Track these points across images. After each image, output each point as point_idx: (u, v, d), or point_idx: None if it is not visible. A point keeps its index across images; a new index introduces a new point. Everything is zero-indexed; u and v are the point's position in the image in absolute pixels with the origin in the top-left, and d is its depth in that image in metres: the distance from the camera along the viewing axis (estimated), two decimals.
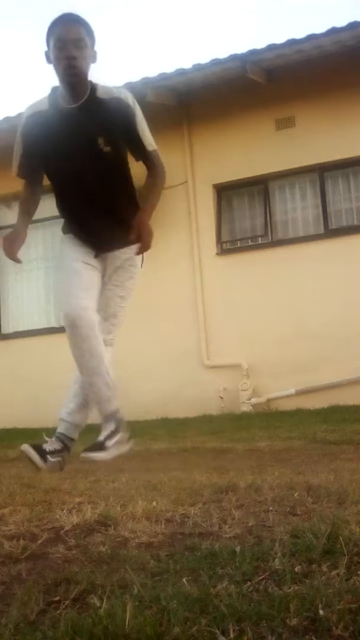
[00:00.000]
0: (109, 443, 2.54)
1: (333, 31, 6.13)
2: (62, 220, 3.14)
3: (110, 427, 2.61)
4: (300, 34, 6.32)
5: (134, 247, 2.85)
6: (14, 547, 1.38)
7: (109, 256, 2.87)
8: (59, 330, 8.67)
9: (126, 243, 2.83)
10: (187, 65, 6.72)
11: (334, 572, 1.09)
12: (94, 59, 2.74)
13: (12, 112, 8.19)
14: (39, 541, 1.44)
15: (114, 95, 2.76)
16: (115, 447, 2.53)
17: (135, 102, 2.76)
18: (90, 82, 2.76)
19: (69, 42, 2.64)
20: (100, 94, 2.76)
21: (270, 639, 0.88)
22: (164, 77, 6.73)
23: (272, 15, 21.97)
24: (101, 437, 2.58)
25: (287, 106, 6.90)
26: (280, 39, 8.01)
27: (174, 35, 23.88)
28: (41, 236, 7.92)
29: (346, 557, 1.15)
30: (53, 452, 2.58)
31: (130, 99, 2.76)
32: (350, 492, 1.73)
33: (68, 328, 2.71)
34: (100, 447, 2.51)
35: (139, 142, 2.78)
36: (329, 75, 6.59)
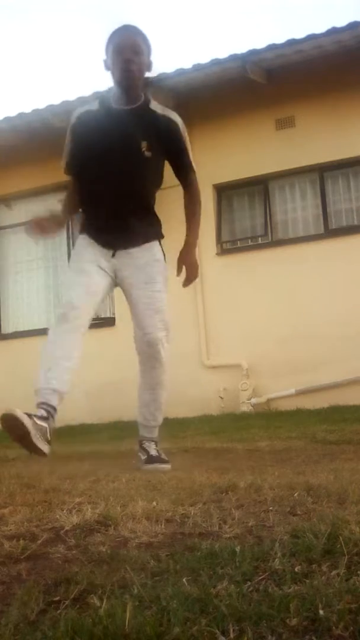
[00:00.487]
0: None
1: (333, 31, 6.13)
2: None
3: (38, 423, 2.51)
4: (300, 34, 6.32)
5: (152, 246, 2.93)
6: (14, 547, 1.38)
7: (126, 256, 2.90)
8: None
9: (142, 242, 2.93)
10: (187, 65, 6.72)
11: (334, 572, 1.09)
12: (149, 67, 2.94)
13: (12, 112, 8.18)
14: (39, 541, 1.44)
15: (166, 114, 2.94)
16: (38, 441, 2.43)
17: (185, 128, 2.95)
18: (146, 94, 2.96)
19: (126, 47, 2.81)
20: (153, 106, 2.94)
21: (270, 639, 0.88)
22: (164, 77, 6.73)
23: (272, 15, 21.97)
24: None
25: (287, 106, 6.90)
26: (280, 39, 8.01)
27: (174, 35, 23.88)
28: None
29: (346, 557, 1.15)
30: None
31: (180, 122, 2.95)
32: (350, 492, 1.73)
33: (57, 320, 2.79)
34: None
35: (184, 160, 2.95)
36: (329, 75, 6.60)
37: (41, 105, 7.15)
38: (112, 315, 7.39)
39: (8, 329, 8.30)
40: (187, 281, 3.03)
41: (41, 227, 2.91)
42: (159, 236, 3.03)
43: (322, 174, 6.98)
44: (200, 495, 1.82)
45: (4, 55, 25.61)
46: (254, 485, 1.93)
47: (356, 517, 1.41)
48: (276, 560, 1.16)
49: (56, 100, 7.17)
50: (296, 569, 1.12)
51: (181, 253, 3.00)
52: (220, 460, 3.13)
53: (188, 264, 2.99)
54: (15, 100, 24.63)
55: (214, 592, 1.02)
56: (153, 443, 3.00)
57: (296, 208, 7.18)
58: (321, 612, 0.92)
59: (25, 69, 27.02)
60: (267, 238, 7.18)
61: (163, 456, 2.93)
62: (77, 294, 2.81)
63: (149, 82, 3.04)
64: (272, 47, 6.37)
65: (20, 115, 7.17)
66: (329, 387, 6.42)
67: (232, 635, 0.88)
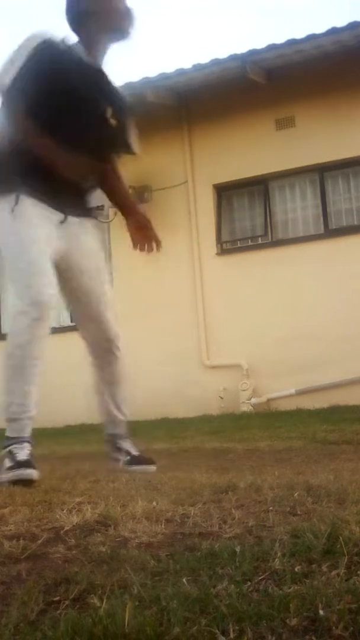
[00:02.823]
0: None
1: (333, 31, 6.13)
2: None
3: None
4: (300, 34, 6.33)
5: (95, 227, 2.66)
6: (14, 547, 1.38)
7: (75, 234, 2.53)
8: (59, 330, 8.70)
9: (91, 215, 2.67)
10: (187, 65, 6.74)
11: (334, 572, 1.09)
12: None
13: None
14: (39, 541, 1.43)
15: (116, 85, 2.68)
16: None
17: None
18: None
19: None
20: (106, 71, 2.62)
21: (270, 639, 0.88)
22: (164, 77, 6.74)
23: (272, 15, 21.98)
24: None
25: (287, 106, 6.90)
26: (280, 39, 8.02)
27: (174, 35, 23.89)
28: None
29: (346, 557, 1.15)
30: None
31: (127, 96, 2.72)
32: (350, 492, 1.73)
33: (33, 320, 2.30)
34: None
35: (128, 140, 2.63)
36: (329, 75, 6.60)
37: None
38: None
39: (8, 329, 8.30)
40: (155, 248, 2.69)
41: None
42: (96, 215, 2.79)
43: (322, 174, 6.99)
44: (200, 495, 1.82)
45: (4, 56, 25.58)
46: (254, 485, 1.93)
47: (356, 517, 1.41)
48: (276, 560, 1.16)
49: None
50: (296, 569, 1.12)
51: (133, 221, 2.66)
52: (220, 460, 3.13)
53: (147, 229, 2.67)
54: None
55: (214, 592, 1.02)
56: (129, 441, 2.75)
57: (296, 208, 7.19)
58: (321, 612, 0.92)
59: None
60: (267, 238, 7.18)
61: (147, 455, 2.72)
62: (48, 285, 2.34)
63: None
64: (272, 47, 6.37)
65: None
66: (329, 387, 6.42)
67: (232, 635, 0.88)
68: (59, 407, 7.09)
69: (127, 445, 2.73)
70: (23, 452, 2.29)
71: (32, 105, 2.37)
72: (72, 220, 2.52)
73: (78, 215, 2.55)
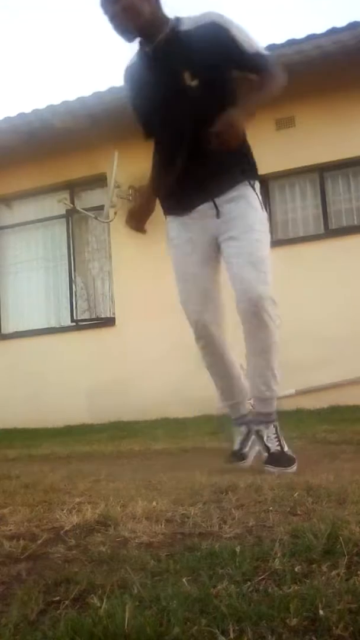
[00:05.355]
0: (246, 450, 2.82)
1: (333, 31, 6.13)
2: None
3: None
4: (300, 34, 6.32)
5: (243, 190, 2.56)
6: (14, 547, 1.38)
7: (213, 213, 2.58)
8: (59, 330, 8.65)
9: (228, 187, 2.55)
10: None
11: (334, 572, 1.09)
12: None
13: (12, 112, 8.18)
14: (39, 541, 1.44)
15: (200, 22, 2.49)
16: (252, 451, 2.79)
17: (224, 16, 2.46)
18: (170, 19, 2.53)
19: (106, 3, 2.45)
20: (185, 26, 2.51)
21: (270, 639, 0.88)
22: None
23: (272, 15, 21.98)
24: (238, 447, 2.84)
25: (287, 106, 6.89)
26: (280, 39, 8.02)
27: None
28: (41, 236, 7.92)
29: (346, 557, 1.15)
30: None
31: (216, 16, 2.46)
32: (350, 492, 1.73)
33: (196, 342, 2.90)
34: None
35: (237, 50, 2.44)
36: (329, 75, 6.59)
37: (41, 105, 7.17)
38: (112, 316, 7.39)
39: (8, 329, 8.30)
40: (215, 136, 2.29)
41: (135, 217, 2.70)
42: (250, 176, 2.58)
43: (322, 174, 6.98)
44: (200, 495, 1.82)
45: (4, 55, 25.61)
46: (254, 485, 1.93)
47: (356, 517, 1.41)
48: (276, 560, 1.16)
49: (56, 100, 7.18)
50: (296, 569, 1.12)
51: (224, 115, 2.33)
52: (220, 460, 3.13)
53: (222, 120, 2.30)
54: (15, 100, 24.63)
55: (214, 592, 1.02)
56: (272, 427, 2.75)
57: (296, 208, 7.18)
58: (321, 612, 0.92)
59: (25, 69, 27.02)
60: None
61: (287, 451, 2.57)
62: (196, 308, 2.72)
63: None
64: (272, 47, 6.36)
65: (20, 115, 7.17)
66: (329, 387, 6.41)
67: (232, 635, 0.88)
68: (59, 407, 7.09)
69: (270, 438, 2.71)
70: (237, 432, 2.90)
71: (149, 130, 2.66)
72: (205, 207, 2.59)
73: (208, 200, 2.57)
